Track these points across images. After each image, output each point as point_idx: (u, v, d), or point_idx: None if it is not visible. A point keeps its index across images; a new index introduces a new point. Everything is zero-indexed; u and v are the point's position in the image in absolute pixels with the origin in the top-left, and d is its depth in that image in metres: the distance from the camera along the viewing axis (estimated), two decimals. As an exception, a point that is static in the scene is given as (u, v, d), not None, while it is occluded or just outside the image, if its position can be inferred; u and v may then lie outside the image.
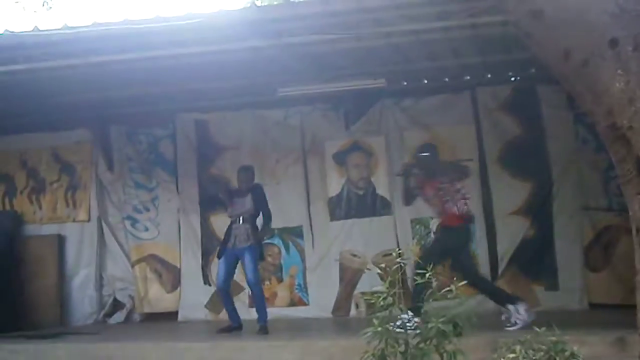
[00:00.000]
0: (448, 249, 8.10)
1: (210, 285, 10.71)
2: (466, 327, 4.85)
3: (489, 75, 9.96)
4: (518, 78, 9.99)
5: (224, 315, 9.72)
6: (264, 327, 8.49)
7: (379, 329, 4.81)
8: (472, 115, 10.17)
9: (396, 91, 10.23)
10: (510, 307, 7.84)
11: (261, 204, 8.87)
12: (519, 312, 7.71)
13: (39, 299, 10.93)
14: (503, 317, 7.86)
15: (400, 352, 4.86)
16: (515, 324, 7.67)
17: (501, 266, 9.85)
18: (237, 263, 8.93)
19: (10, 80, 8.67)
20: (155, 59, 8.10)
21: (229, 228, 8.88)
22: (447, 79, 10.04)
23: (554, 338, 4.99)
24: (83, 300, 11.16)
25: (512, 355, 4.92)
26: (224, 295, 8.91)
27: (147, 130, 11.29)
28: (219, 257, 8.96)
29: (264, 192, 9.05)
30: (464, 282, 7.36)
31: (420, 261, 7.47)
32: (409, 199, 8.90)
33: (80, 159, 11.40)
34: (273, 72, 9.13)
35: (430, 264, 7.91)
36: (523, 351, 4.93)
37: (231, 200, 8.91)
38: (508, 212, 9.88)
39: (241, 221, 8.75)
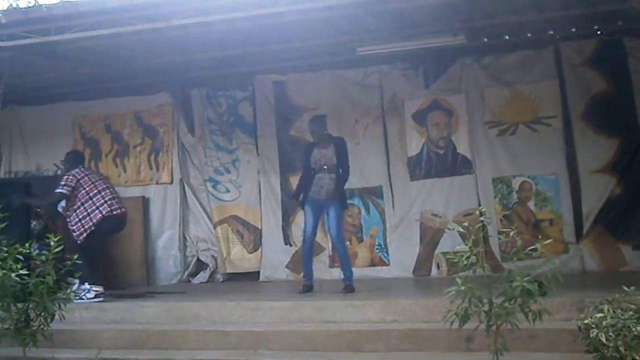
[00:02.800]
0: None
1: (291, 245, 10.82)
2: (552, 286, 4.78)
3: (573, 29, 9.62)
4: (604, 31, 9.63)
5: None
6: (349, 286, 8.41)
7: (463, 287, 4.78)
8: (556, 71, 9.91)
9: (476, 48, 10.02)
10: (84, 286, 8.49)
11: (342, 158, 8.69)
12: (89, 293, 8.56)
13: (126, 260, 11.22)
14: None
15: (484, 311, 4.83)
16: (82, 299, 8.37)
17: (586, 225, 9.64)
18: (321, 214, 8.76)
19: (94, 46, 8.88)
20: (234, 21, 8.12)
21: (312, 177, 8.64)
22: (529, 35, 9.76)
23: (643, 298, 4.89)
24: (168, 261, 11.41)
25: (599, 315, 4.84)
26: (309, 248, 8.69)
27: (227, 93, 11.38)
28: (302, 206, 8.80)
29: (347, 146, 8.89)
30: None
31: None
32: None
33: (163, 122, 11.60)
34: (351, 31, 9.06)
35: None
36: (611, 311, 4.84)
37: (312, 152, 8.72)
38: (593, 170, 9.63)
39: (325, 171, 8.59)
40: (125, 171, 11.75)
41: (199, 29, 8.31)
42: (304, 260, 8.81)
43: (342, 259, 8.76)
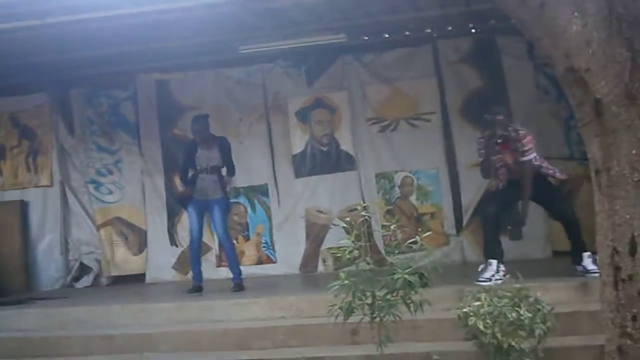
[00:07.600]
0: None
1: (177, 246, 10.71)
2: (432, 277, 4.92)
3: (450, 28, 9.90)
4: (478, 30, 9.96)
5: (191, 275, 9.74)
6: (239, 284, 8.41)
7: (346, 282, 4.86)
8: (434, 68, 10.18)
9: (357, 46, 10.18)
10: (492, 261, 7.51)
11: (227, 157, 8.65)
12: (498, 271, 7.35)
13: (5, 266, 10.83)
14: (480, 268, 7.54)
15: (368, 304, 4.92)
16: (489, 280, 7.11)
17: (466, 218, 9.95)
18: (205, 213, 8.70)
19: (-35, 45, 8.52)
20: (113, 19, 7.95)
21: (194, 178, 8.59)
22: (407, 33, 9.97)
23: (518, 285, 5.10)
24: (49, 266, 11.08)
25: (477, 303, 5.02)
26: (196, 249, 8.64)
27: (108, 92, 11.13)
28: (184, 207, 8.77)
29: (230, 145, 8.83)
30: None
31: None
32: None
33: (41, 123, 11.24)
34: (233, 29, 9.02)
35: None
36: (488, 299, 5.03)
37: (195, 152, 8.62)
38: (471, 164, 9.90)
39: (208, 172, 8.53)
40: (1, 174, 11.33)
41: (75, 27, 8.06)
42: (192, 261, 8.75)
43: (230, 257, 8.74)
